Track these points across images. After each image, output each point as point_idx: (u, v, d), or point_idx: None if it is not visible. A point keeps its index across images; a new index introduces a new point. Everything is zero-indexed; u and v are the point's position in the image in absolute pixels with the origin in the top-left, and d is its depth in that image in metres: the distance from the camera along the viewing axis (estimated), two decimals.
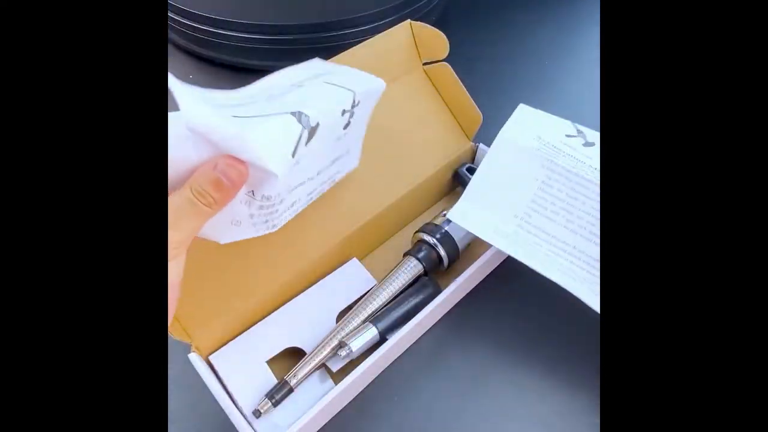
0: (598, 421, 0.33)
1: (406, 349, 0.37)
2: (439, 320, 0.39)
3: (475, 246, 0.41)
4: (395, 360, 0.37)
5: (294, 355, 0.35)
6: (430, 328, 0.39)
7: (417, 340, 0.38)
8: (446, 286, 0.37)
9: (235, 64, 0.60)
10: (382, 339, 0.34)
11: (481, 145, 0.46)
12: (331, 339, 0.34)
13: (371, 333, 0.34)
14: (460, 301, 0.40)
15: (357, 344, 0.34)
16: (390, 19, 0.60)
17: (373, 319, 0.35)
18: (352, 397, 0.35)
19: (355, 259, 0.40)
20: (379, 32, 0.43)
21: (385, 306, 0.36)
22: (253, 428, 0.30)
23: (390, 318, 0.35)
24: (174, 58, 0.63)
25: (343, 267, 0.39)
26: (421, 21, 0.44)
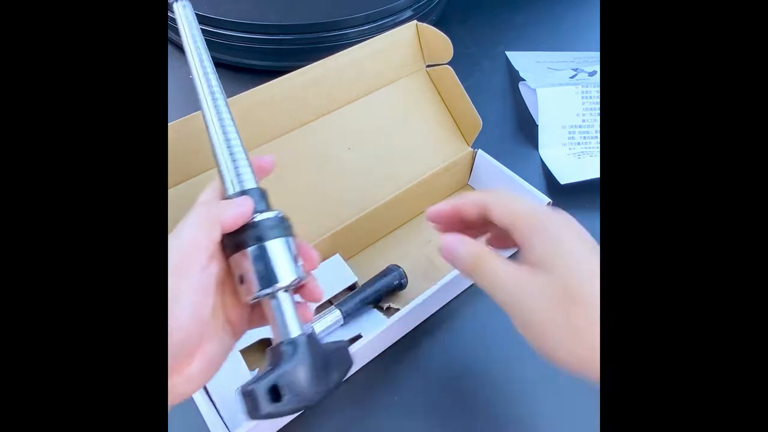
0: None
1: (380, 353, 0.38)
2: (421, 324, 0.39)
3: None
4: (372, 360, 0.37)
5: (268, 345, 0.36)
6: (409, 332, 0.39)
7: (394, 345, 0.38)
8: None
9: (235, 64, 0.60)
10: (346, 322, 0.36)
11: (481, 152, 0.46)
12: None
13: (334, 315, 0.35)
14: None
15: (319, 326, 0.35)
16: (390, 19, 0.60)
17: (338, 303, 0.36)
18: None
19: (338, 255, 0.40)
20: (380, 32, 0.43)
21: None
22: (219, 415, 0.31)
23: (352, 301, 0.36)
24: (174, 58, 0.63)
25: (325, 262, 0.39)
26: (421, 21, 0.44)
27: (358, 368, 0.36)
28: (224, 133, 0.27)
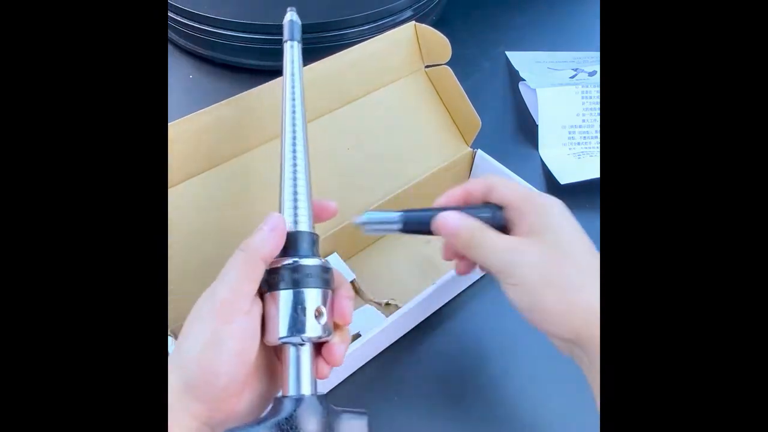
0: None
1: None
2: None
3: None
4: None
5: None
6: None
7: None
8: None
9: (235, 64, 0.60)
10: (404, 226, 0.30)
11: (480, 152, 0.46)
12: None
13: (393, 216, 0.30)
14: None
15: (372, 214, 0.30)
16: (390, 19, 0.60)
17: (405, 209, 0.30)
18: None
19: (335, 253, 0.40)
20: (380, 32, 0.43)
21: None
22: None
23: (421, 211, 0.30)
24: (174, 58, 0.63)
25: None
26: (421, 21, 0.44)
27: (357, 368, 0.36)
28: (294, 171, 0.28)
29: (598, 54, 0.64)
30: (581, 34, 0.70)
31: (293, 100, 0.30)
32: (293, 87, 0.30)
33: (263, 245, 0.24)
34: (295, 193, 0.27)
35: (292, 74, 0.30)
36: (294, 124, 0.29)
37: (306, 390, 0.24)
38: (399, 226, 0.29)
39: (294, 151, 0.28)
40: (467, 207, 0.29)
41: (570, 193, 0.47)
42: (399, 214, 0.29)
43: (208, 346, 0.22)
